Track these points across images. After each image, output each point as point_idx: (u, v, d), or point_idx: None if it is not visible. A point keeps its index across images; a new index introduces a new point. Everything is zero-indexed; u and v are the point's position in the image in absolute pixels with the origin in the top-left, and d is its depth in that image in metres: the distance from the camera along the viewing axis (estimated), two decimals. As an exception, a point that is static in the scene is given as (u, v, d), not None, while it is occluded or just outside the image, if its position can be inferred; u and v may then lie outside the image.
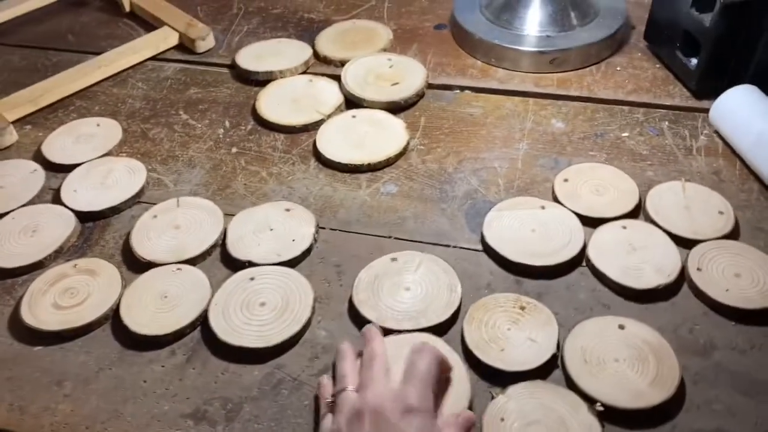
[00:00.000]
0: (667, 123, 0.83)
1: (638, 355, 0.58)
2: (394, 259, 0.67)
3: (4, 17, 1.07)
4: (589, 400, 0.55)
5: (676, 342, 0.60)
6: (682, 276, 0.65)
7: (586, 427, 0.54)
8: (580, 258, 0.67)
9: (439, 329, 0.62)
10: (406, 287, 0.65)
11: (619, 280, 0.64)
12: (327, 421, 0.53)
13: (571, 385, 0.57)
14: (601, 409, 0.54)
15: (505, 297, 0.64)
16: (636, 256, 0.66)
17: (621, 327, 0.60)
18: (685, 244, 0.67)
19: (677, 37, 0.85)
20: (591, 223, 0.70)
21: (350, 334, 0.63)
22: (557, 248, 0.67)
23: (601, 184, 0.74)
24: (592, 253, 0.67)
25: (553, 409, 0.55)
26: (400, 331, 0.61)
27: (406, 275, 0.66)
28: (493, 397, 0.56)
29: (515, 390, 0.56)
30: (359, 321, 0.63)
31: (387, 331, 0.61)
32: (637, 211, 0.72)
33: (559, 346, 0.59)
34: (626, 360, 0.58)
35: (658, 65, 0.92)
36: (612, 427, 0.55)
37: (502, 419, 0.54)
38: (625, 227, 0.69)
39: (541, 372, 0.58)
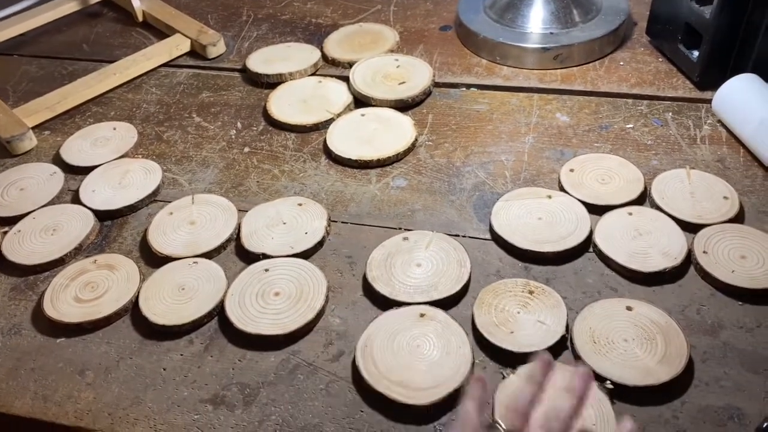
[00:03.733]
0: (671, 114, 0.84)
1: (646, 335, 0.59)
2: (405, 239, 0.70)
3: (22, 29, 1.11)
4: (599, 379, 0.56)
5: (685, 322, 0.61)
6: (689, 259, 0.66)
7: (596, 403, 0.55)
8: (587, 244, 0.69)
9: (450, 301, 0.64)
10: (418, 263, 0.67)
11: (626, 263, 0.65)
12: None
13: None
14: (611, 386, 0.55)
15: (514, 282, 0.65)
16: (642, 241, 0.67)
17: (629, 308, 0.61)
18: (690, 228, 0.68)
19: (679, 31, 0.87)
20: (597, 210, 0.71)
21: (363, 320, 0.64)
22: (564, 235, 0.69)
23: (607, 173, 0.75)
24: (598, 239, 0.68)
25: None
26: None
27: (417, 252, 0.68)
28: (504, 377, 0.58)
29: (525, 370, 0.58)
30: (373, 296, 0.66)
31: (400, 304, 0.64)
32: (642, 199, 0.73)
33: (567, 329, 0.61)
34: (635, 340, 0.59)
35: (660, 59, 0.93)
36: (622, 404, 0.56)
37: None
38: (631, 213, 0.70)
39: (551, 353, 0.59)
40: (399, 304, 0.64)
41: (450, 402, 0.56)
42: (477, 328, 0.61)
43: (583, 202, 0.72)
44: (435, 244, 0.69)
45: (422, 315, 0.62)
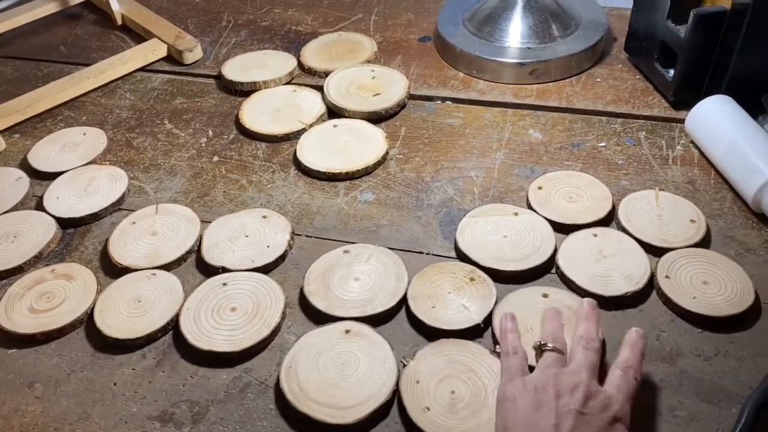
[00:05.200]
0: (644, 133, 0.83)
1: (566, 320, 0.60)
2: (346, 252, 0.70)
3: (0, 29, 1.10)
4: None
5: (644, 348, 0.60)
6: (651, 284, 0.65)
7: (493, 367, 0.58)
8: (551, 264, 0.68)
9: (385, 316, 0.64)
10: (356, 277, 0.67)
11: (588, 287, 0.64)
12: (516, 361, 0.55)
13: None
14: (500, 351, 0.58)
15: (462, 266, 0.67)
16: (605, 264, 0.66)
17: (545, 295, 0.63)
18: (655, 252, 0.68)
19: (655, 49, 0.86)
20: (563, 229, 0.71)
21: (319, 338, 0.63)
22: (528, 254, 0.68)
23: (575, 192, 0.75)
24: (561, 261, 0.67)
25: (460, 362, 0.59)
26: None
27: (356, 266, 0.68)
28: (404, 365, 0.59)
29: (422, 353, 0.60)
30: (309, 311, 0.65)
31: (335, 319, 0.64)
32: (609, 219, 0.72)
33: (486, 321, 0.62)
34: None
35: (638, 76, 0.92)
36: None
37: (418, 382, 0.57)
38: (596, 235, 0.69)
39: (463, 336, 0.61)
40: (333, 319, 0.63)
41: (377, 416, 0.56)
42: (406, 294, 0.64)
43: (550, 221, 0.71)
44: (375, 258, 0.68)
45: (347, 331, 0.62)
